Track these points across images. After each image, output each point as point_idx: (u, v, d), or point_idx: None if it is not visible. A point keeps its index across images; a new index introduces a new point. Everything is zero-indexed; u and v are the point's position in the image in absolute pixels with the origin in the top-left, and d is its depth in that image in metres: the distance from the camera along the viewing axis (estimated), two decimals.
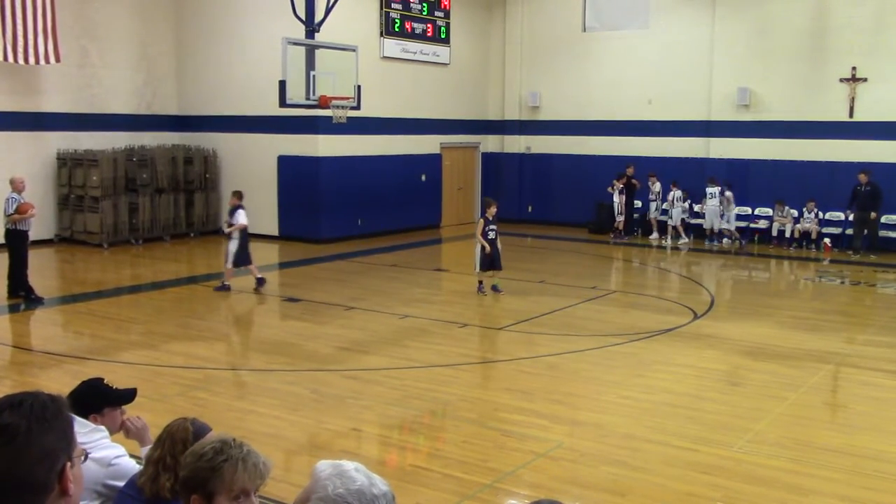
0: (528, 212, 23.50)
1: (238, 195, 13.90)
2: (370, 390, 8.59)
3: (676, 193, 20.39)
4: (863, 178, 17.99)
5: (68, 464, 1.76)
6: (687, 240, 20.26)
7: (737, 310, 12.83)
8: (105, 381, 4.19)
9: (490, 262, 13.52)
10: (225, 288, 13.54)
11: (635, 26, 21.68)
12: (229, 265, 13.48)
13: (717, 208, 19.76)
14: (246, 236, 13.65)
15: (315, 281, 14.96)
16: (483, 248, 13.42)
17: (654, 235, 20.80)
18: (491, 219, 13.53)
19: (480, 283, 13.68)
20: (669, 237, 20.53)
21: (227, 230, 13.91)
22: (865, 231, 18.25)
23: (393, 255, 17.86)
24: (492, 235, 13.50)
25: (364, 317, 11.97)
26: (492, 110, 24.06)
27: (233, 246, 13.40)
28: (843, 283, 15.87)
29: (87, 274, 15.95)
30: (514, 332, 11.26)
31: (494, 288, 13.63)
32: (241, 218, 13.48)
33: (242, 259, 13.48)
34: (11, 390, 9.32)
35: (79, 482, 1.80)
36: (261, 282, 13.63)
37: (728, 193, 19.86)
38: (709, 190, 19.82)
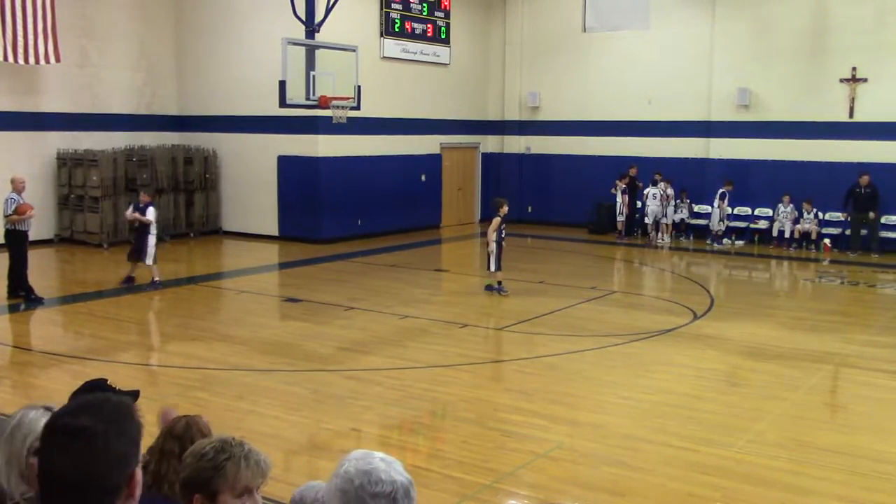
0: (528, 212, 23.50)
1: (148, 193, 14.48)
2: (370, 390, 8.59)
3: (653, 191, 20.51)
4: (865, 180, 18.01)
5: (137, 468, 1.83)
6: (664, 240, 20.32)
7: (737, 310, 12.83)
8: (108, 382, 4.18)
9: (498, 261, 13.48)
10: (156, 285, 13.80)
11: (635, 26, 21.68)
12: (149, 261, 13.71)
13: (717, 209, 19.74)
14: (154, 234, 14.04)
15: (315, 281, 14.95)
16: (497, 246, 13.34)
17: (652, 234, 20.84)
18: (502, 217, 13.48)
19: (500, 283, 13.56)
20: (668, 236, 20.55)
21: (130, 216, 14.06)
22: (863, 231, 18.31)
23: (393, 255, 17.86)
24: (503, 235, 13.49)
25: (364, 317, 11.97)
26: (492, 110, 24.06)
27: (152, 241, 13.68)
28: (842, 283, 15.87)
29: (87, 274, 15.95)
30: (514, 332, 11.26)
31: (489, 287, 13.60)
32: (151, 214, 13.78)
33: (140, 254, 13.72)
34: (12, 390, 9.21)
35: (140, 485, 1.86)
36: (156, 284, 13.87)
37: (670, 191, 20.31)
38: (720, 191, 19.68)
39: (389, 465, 2.07)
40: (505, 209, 13.52)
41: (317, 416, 7.82)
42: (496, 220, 13.45)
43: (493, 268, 13.56)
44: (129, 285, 13.80)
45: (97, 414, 1.78)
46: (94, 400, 1.83)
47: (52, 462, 1.74)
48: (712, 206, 19.89)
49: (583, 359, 9.97)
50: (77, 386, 4.13)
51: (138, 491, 1.83)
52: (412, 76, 21.10)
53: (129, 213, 14.07)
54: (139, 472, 1.83)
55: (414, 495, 2.07)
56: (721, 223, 19.82)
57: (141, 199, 14.11)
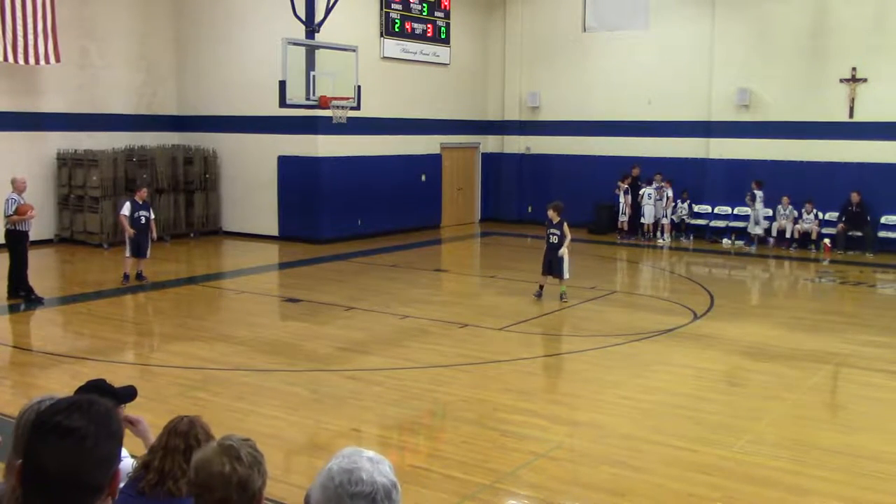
0: (528, 212, 23.48)
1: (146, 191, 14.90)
2: (370, 390, 8.59)
3: (648, 191, 20.51)
4: (855, 198, 18.26)
5: (119, 467, 1.89)
6: (664, 240, 20.35)
7: (737, 310, 12.83)
8: (106, 382, 4.18)
9: (549, 266, 12.96)
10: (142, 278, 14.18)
11: (635, 26, 21.67)
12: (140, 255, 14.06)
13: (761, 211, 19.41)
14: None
15: (315, 281, 14.95)
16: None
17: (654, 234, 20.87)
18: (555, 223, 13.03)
19: (563, 291, 13.02)
20: (669, 236, 20.55)
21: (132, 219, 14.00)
22: (858, 233, 18.49)
23: (393, 255, 17.85)
24: (554, 240, 12.99)
25: (364, 317, 11.97)
26: (492, 111, 24.06)
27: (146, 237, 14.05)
28: (843, 283, 15.86)
29: (87, 274, 15.94)
30: (514, 332, 11.25)
31: (546, 292, 13.07)
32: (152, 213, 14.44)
33: (143, 251, 14.08)
34: (12, 390, 9.17)
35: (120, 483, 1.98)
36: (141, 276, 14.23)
37: (669, 191, 20.40)
38: (757, 192, 19.36)
39: (374, 466, 2.05)
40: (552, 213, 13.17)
41: (317, 416, 7.82)
42: (566, 226, 13.01)
43: (565, 275, 12.94)
44: (143, 282, 14.05)
45: (87, 414, 1.81)
46: (83, 400, 1.86)
47: (41, 460, 1.76)
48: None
49: (583, 359, 9.97)
50: (76, 386, 4.14)
51: (117, 488, 1.91)
52: (412, 76, 21.10)
53: (126, 212, 14.00)
54: (119, 472, 1.88)
55: (396, 497, 2.04)
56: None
57: (139, 196, 14.19)
